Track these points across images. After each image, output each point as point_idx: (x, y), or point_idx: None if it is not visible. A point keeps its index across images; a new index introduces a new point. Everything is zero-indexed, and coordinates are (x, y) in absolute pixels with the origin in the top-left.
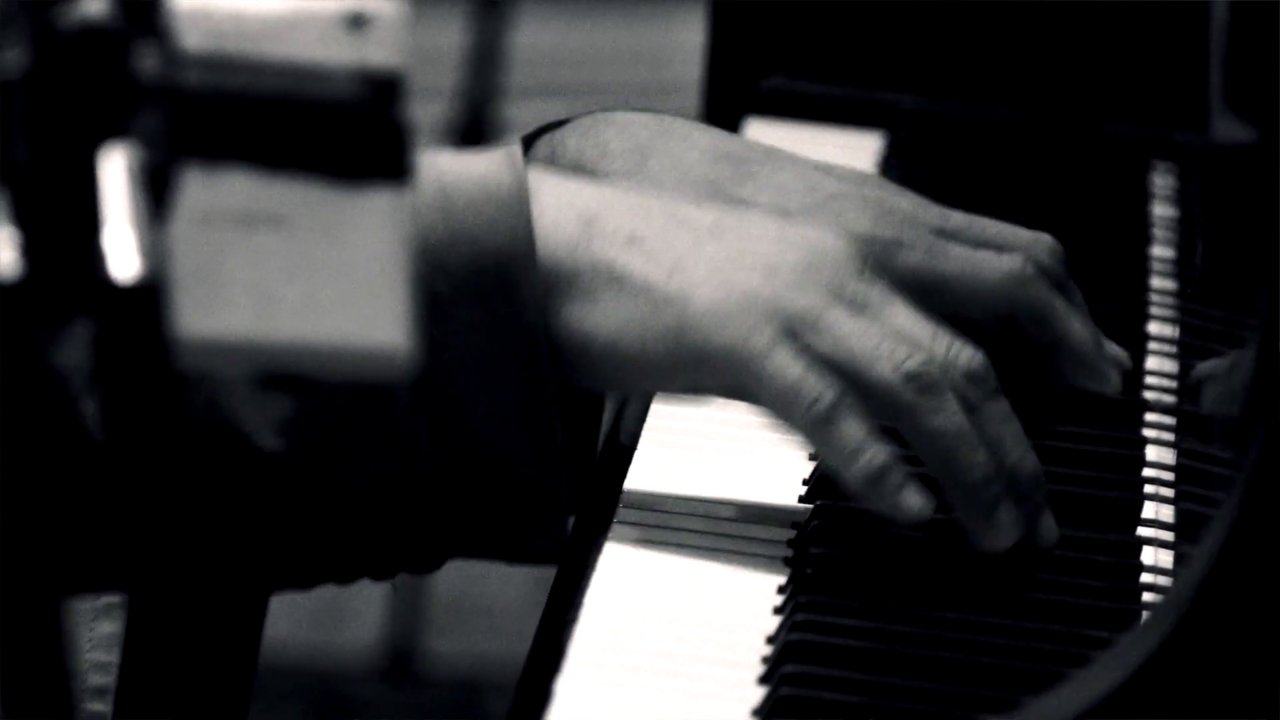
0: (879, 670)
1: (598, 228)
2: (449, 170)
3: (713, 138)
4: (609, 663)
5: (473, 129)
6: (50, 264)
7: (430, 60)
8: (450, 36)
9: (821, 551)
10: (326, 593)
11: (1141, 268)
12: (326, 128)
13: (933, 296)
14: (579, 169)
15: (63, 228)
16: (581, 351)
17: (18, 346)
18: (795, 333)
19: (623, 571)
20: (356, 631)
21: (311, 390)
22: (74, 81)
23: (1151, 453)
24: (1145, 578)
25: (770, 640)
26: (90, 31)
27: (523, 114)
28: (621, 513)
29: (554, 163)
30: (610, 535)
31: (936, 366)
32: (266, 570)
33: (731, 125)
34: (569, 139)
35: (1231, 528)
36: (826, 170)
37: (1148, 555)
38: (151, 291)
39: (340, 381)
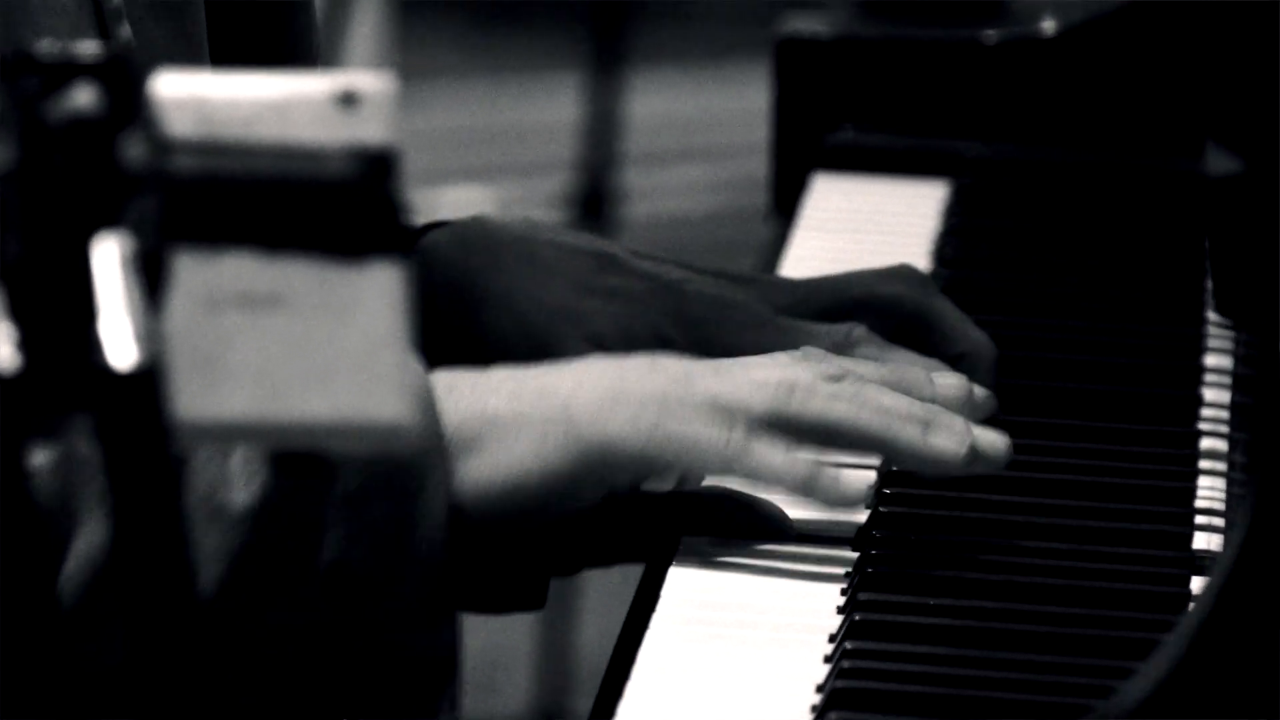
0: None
1: (457, 392)
2: None
3: (572, 245)
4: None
5: (591, 199)
6: (47, 356)
7: (547, 133)
8: (566, 110)
9: (871, 598)
10: None
11: (1198, 300)
12: (322, 206)
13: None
14: (450, 268)
15: (58, 319)
16: (484, 499)
17: (17, 441)
18: (669, 406)
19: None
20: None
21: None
22: (64, 173)
23: (1204, 484)
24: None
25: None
26: (79, 123)
27: (641, 180)
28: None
29: (428, 266)
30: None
31: (801, 376)
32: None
33: (799, 182)
34: (441, 247)
35: (1242, 536)
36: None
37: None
38: (150, 378)
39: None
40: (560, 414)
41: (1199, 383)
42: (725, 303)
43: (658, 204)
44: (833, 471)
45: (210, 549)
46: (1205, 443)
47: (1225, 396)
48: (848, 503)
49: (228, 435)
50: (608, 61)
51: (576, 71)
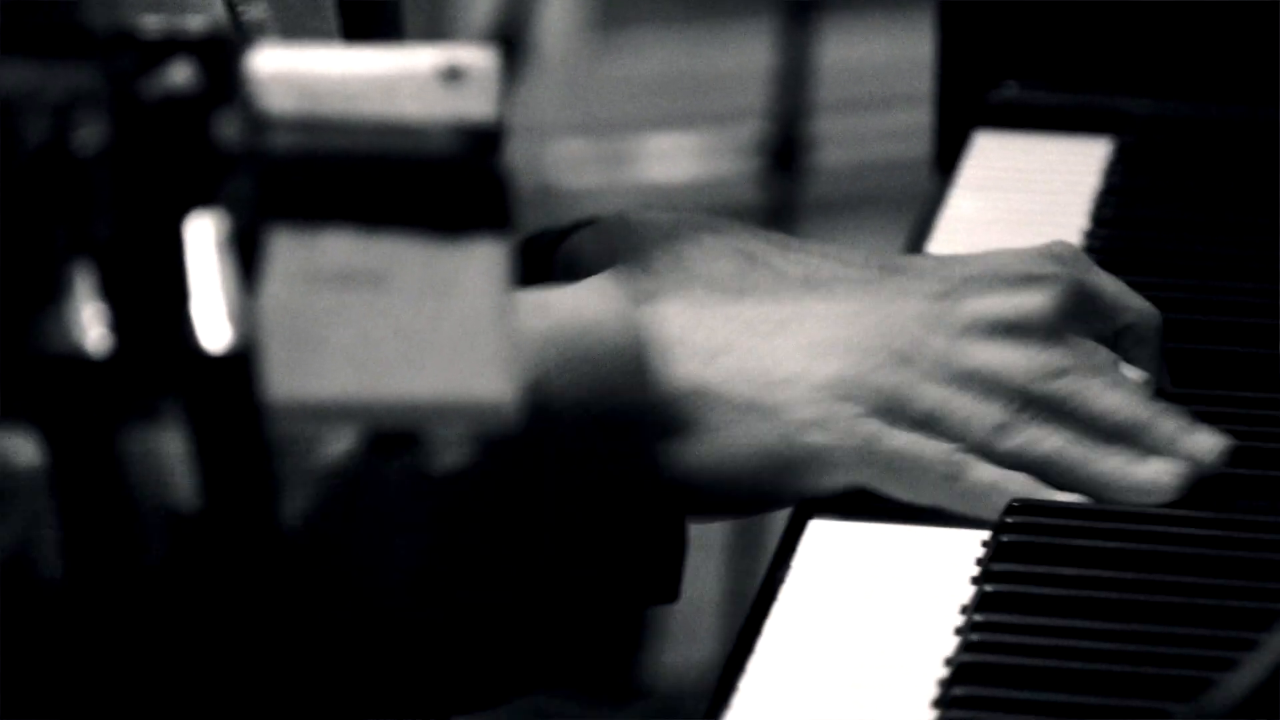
0: (1053, 688)
1: (680, 352)
2: (563, 324)
3: (731, 230)
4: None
5: (784, 147)
6: (140, 338)
7: (739, 81)
8: (758, 56)
9: (1005, 569)
10: None
11: None
12: (425, 182)
13: None
14: (595, 271)
15: (151, 301)
16: (686, 486)
17: (110, 426)
18: (891, 411)
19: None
20: None
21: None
22: (158, 152)
23: None
24: None
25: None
26: (173, 100)
27: (833, 128)
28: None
29: (572, 267)
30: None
31: (1022, 398)
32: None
33: (961, 138)
34: (585, 245)
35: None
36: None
37: None
38: (244, 360)
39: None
40: (774, 413)
41: None
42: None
43: (849, 152)
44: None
45: (411, 517)
46: None
47: None
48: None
49: (325, 416)
50: (800, 8)
51: (769, 18)
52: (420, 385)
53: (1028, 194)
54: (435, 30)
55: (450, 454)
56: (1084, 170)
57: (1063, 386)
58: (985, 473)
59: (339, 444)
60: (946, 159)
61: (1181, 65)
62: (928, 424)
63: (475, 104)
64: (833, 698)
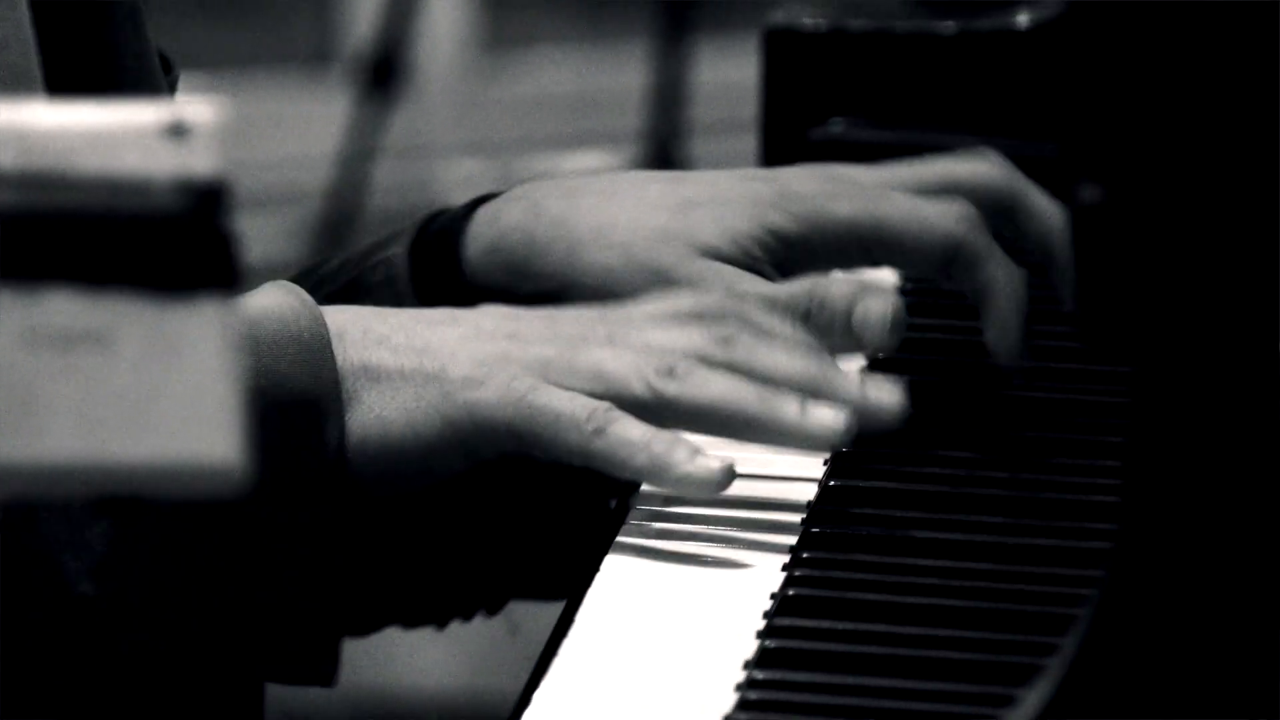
0: (857, 672)
1: (347, 340)
2: (251, 310)
3: (638, 172)
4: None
5: (660, 169)
6: None
7: (614, 102)
8: (632, 78)
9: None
10: None
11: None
12: (150, 240)
13: (873, 245)
14: (518, 234)
15: None
16: (359, 455)
17: None
18: (550, 376)
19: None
20: None
21: (124, 525)
22: None
23: None
24: None
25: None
26: None
27: (708, 150)
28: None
29: (495, 230)
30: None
31: (683, 355)
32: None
33: None
34: (505, 213)
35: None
36: (769, 172)
37: None
38: None
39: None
40: (436, 376)
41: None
42: (820, 173)
43: None
44: (689, 449)
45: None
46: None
47: None
48: (699, 486)
49: (44, 480)
50: (674, 28)
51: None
52: (145, 448)
53: None
54: (322, 49)
55: None
56: None
57: (726, 348)
58: (631, 428)
59: None
60: None
61: (994, 103)
62: (587, 382)
63: (200, 159)
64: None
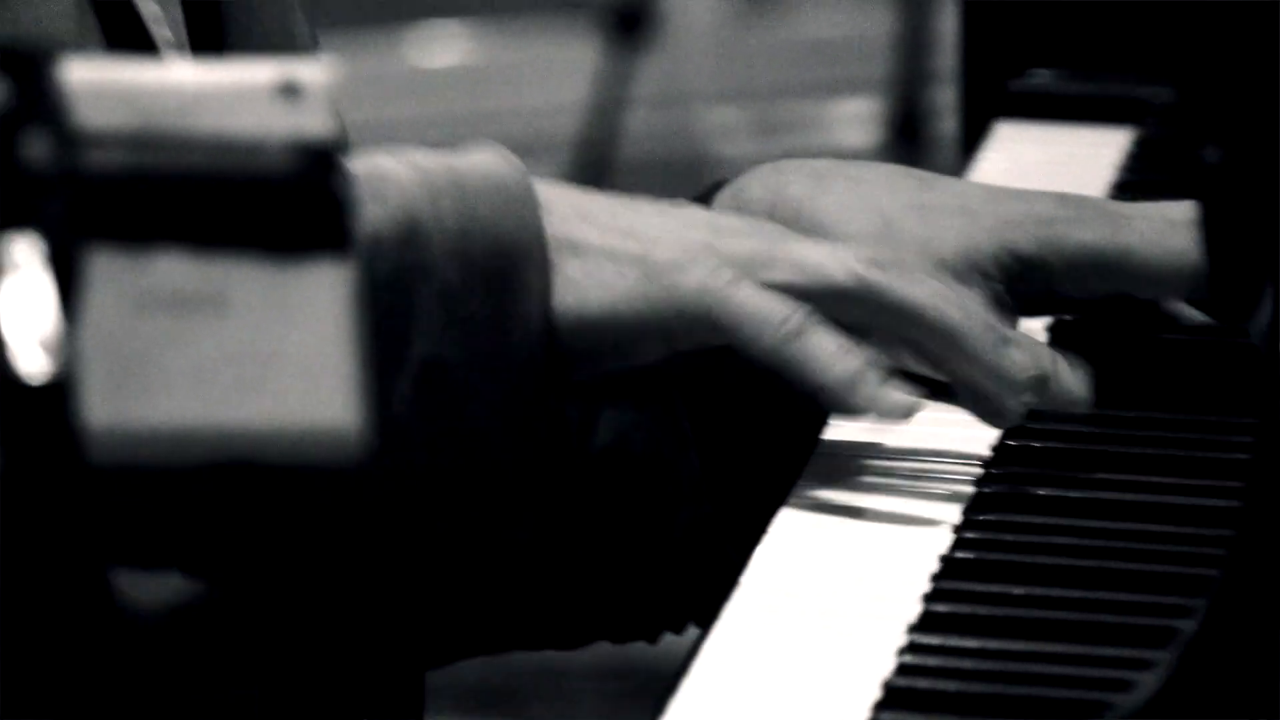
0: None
1: (554, 211)
2: (454, 162)
3: (890, 165)
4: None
5: (907, 119)
6: None
7: (870, 49)
8: (880, 26)
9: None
10: None
11: None
12: (263, 201)
13: (1118, 273)
14: (758, 210)
15: None
16: (554, 327)
17: None
18: (752, 271)
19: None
20: None
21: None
22: None
23: None
24: None
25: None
26: None
27: (948, 99)
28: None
29: (735, 205)
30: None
31: (891, 257)
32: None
33: (982, 127)
34: (751, 185)
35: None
36: (1016, 191)
37: None
38: (60, 389)
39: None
40: (640, 256)
41: None
42: (1071, 200)
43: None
44: (879, 374)
45: None
46: None
47: None
48: (883, 411)
49: (158, 445)
50: None
51: None
52: (261, 412)
53: (1042, 187)
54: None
55: None
56: (1103, 162)
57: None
58: (826, 340)
59: None
60: (970, 147)
61: (1200, 55)
62: (788, 273)
63: (313, 121)
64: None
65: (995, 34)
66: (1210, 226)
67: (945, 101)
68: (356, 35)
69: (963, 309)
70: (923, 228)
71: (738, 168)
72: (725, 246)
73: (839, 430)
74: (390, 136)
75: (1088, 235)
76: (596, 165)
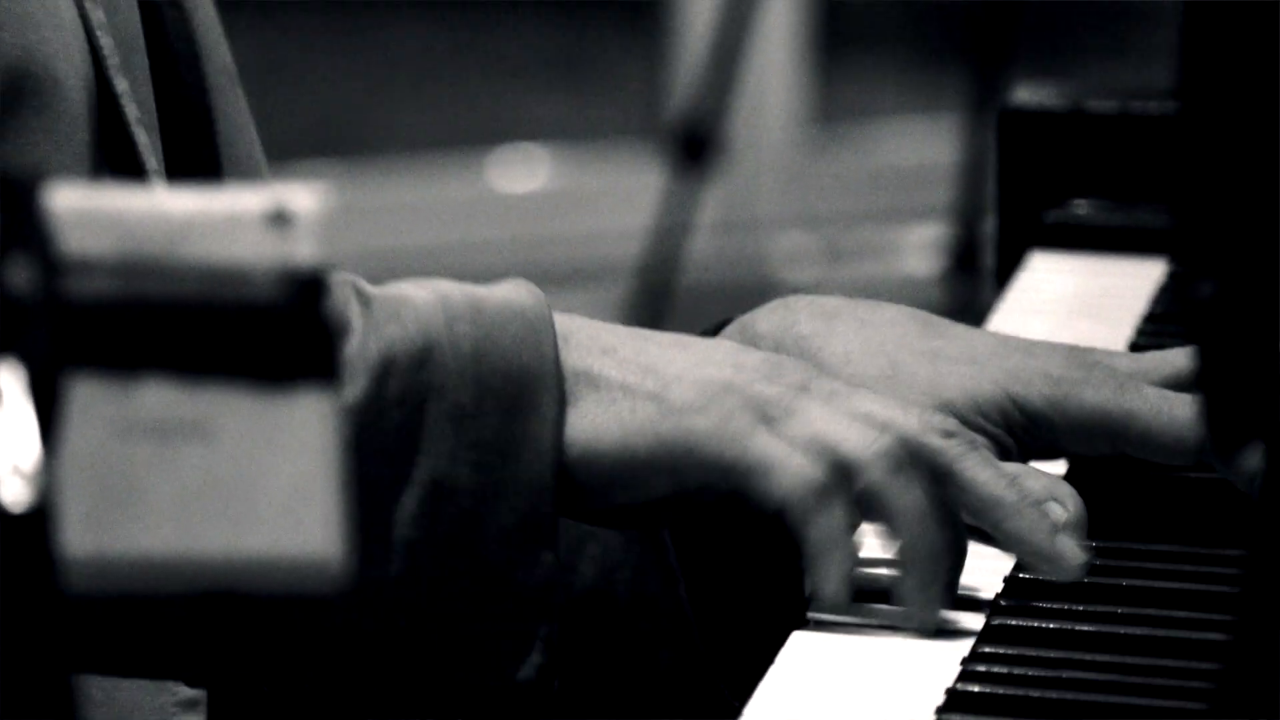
0: None
1: (572, 343)
2: (475, 290)
3: (899, 307)
4: None
5: (967, 247)
6: None
7: (928, 178)
8: (947, 154)
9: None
10: None
11: None
12: (251, 329)
13: (1119, 437)
14: (765, 343)
15: None
16: (565, 457)
17: None
18: (770, 418)
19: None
20: None
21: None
22: None
23: None
24: None
25: None
26: None
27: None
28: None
29: (744, 337)
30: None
31: (904, 442)
32: None
33: (1017, 257)
34: (760, 321)
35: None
36: (1026, 344)
37: None
38: (42, 517)
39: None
40: (657, 395)
41: None
42: (1082, 360)
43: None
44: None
45: None
46: None
47: None
48: (850, 604)
49: (139, 574)
50: (982, 104)
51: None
52: (243, 542)
53: (1074, 316)
54: (648, 121)
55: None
56: (1136, 294)
57: (950, 446)
58: (839, 518)
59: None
60: (1004, 276)
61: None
62: (807, 442)
63: (302, 247)
64: None
65: (1032, 163)
66: (1203, 368)
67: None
68: (435, 158)
69: (933, 532)
70: (929, 372)
71: (803, 292)
72: (745, 386)
73: None
74: (464, 258)
75: (1093, 397)
76: (660, 290)
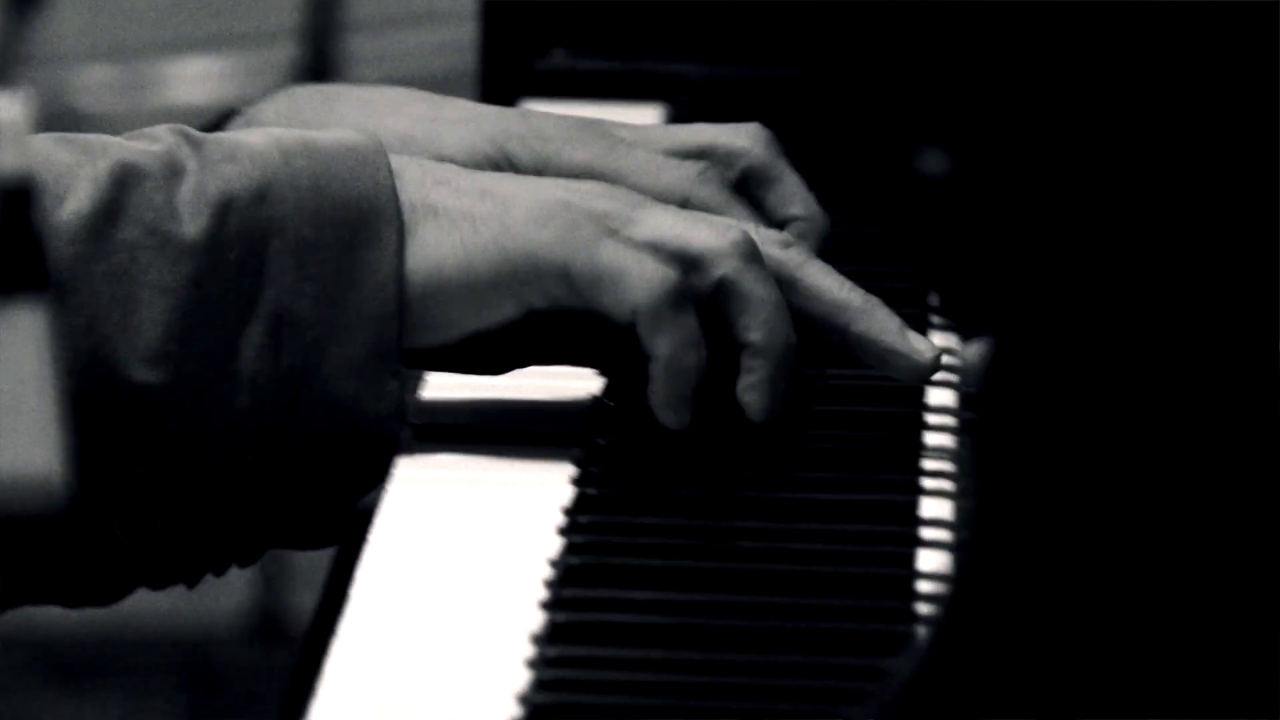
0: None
1: (406, 178)
2: (307, 132)
3: (401, 88)
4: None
5: (318, 67)
6: None
7: (270, 2)
8: None
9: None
10: None
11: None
12: None
13: None
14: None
15: None
16: (410, 290)
17: None
18: (613, 229)
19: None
20: (224, 597)
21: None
22: None
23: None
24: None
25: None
26: None
27: (365, 48)
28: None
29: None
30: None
31: (750, 239)
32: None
33: (506, 104)
34: (266, 111)
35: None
36: (523, 110)
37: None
38: None
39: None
40: (496, 215)
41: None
42: (576, 122)
43: (384, 71)
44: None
45: (156, 279)
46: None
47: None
48: (680, 392)
49: None
50: None
51: None
52: None
53: None
54: None
55: (190, 222)
56: None
57: (791, 255)
58: (691, 322)
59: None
60: None
61: (725, 29)
62: (656, 244)
63: (7, 158)
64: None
65: (516, 9)
66: (938, 250)
67: (358, 50)
68: None
69: (787, 324)
70: (427, 132)
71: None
72: (583, 202)
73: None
74: None
75: (580, 155)
76: None
